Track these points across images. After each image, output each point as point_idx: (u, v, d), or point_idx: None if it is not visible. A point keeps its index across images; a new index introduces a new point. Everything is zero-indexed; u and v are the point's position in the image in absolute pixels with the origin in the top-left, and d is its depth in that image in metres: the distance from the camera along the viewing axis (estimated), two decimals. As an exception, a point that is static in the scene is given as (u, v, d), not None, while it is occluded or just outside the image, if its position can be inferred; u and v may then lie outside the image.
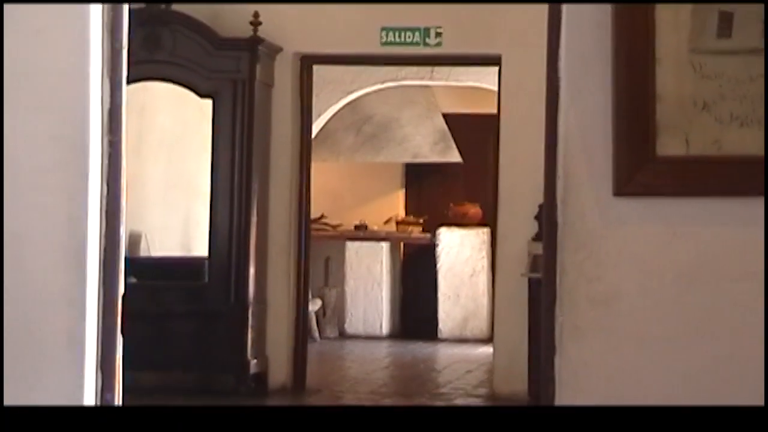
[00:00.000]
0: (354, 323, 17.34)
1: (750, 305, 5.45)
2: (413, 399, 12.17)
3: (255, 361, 11.45)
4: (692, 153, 5.48)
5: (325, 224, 16.97)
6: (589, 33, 5.56)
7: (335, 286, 17.32)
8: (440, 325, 17.02)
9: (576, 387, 5.60)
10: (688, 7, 5.46)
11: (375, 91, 15.88)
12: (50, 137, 5.70)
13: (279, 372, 11.82)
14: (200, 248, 11.64)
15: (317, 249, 14.54)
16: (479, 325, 16.58)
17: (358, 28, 11.77)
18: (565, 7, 5.61)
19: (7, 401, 5.63)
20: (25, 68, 5.72)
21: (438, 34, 11.70)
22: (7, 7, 5.67)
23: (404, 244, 17.85)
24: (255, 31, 11.34)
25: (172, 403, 10.33)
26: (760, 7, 5.45)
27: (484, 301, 16.48)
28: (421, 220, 17.83)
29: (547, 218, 5.77)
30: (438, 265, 17.17)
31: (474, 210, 17.16)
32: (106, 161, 5.78)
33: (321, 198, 14.83)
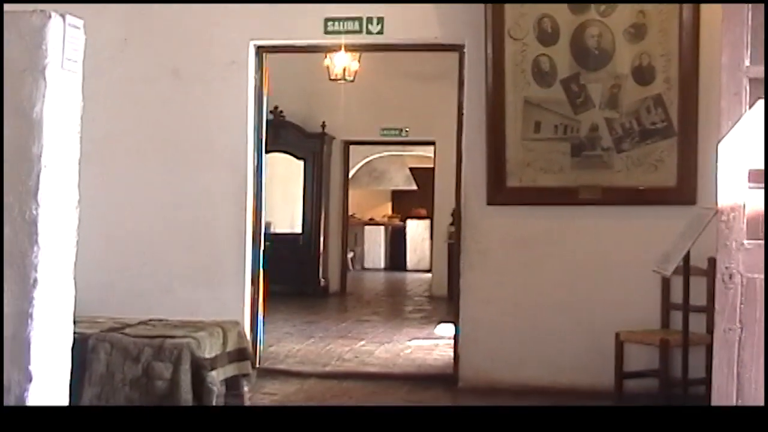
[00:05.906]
0: (368, 263, 17.18)
1: (547, 256, 5.41)
2: (395, 297, 12.09)
3: (323, 280, 11.34)
4: (523, 185, 5.43)
5: (355, 218, 16.85)
6: (473, 131, 5.50)
7: (359, 245, 17.18)
8: (408, 263, 16.86)
9: (469, 292, 5.54)
10: (520, 119, 5.41)
11: (377, 158, 15.78)
12: (230, 176, 5.65)
13: (334, 285, 11.70)
14: (298, 228, 11.53)
15: (351, 229, 14.42)
16: (425, 263, 16.36)
17: (368, 128, 11.62)
18: (465, 118, 5.56)
19: (204, 302, 5.45)
20: (220, 144, 5.67)
21: (406, 131, 11.59)
22: (205, 115, 5.64)
23: (391, 228, 17.70)
24: (323, 129, 11.22)
25: (283, 302, 10.19)
26: (556, 118, 5.39)
27: (428, 253, 16.24)
28: (399, 216, 17.73)
29: (456, 215, 5.76)
30: (406, 237, 17.05)
31: (423, 211, 16.97)
32: (254, 188, 5.74)
33: (353, 206, 14.66)
